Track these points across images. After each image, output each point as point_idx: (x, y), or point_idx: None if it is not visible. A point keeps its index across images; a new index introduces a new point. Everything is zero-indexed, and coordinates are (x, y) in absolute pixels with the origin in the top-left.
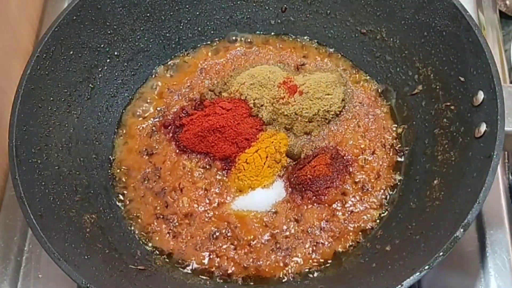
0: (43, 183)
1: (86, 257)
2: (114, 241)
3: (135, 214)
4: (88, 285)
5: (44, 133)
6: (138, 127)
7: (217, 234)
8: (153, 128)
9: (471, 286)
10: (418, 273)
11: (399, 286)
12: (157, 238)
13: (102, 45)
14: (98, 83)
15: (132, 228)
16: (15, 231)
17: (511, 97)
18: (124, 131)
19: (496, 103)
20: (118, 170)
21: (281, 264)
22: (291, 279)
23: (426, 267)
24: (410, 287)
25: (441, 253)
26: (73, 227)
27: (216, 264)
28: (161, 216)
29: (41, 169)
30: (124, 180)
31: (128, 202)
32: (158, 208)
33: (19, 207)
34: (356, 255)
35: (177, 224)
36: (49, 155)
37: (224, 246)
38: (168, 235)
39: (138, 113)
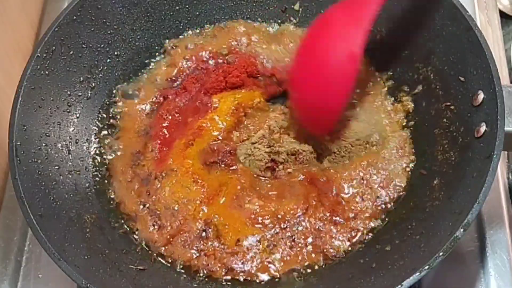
0: (43, 183)
1: (86, 257)
2: (114, 241)
3: (120, 200)
4: (88, 285)
5: (44, 133)
6: (137, 107)
7: (203, 231)
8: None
9: (471, 286)
10: (418, 273)
11: (399, 286)
12: (141, 229)
13: (102, 45)
14: (98, 83)
15: (122, 218)
16: (15, 231)
17: (511, 97)
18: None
19: (496, 103)
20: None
21: (274, 264)
22: (289, 278)
23: (426, 267)
24: (410, 287)
25: (441, 253)
26: (73, 227)
27: (204, 263)
28: (145, 205)
29: (41, 169)
30: (114, 164)
31: (116, 188)
32: (142, 196)
33: (19, 207)
34: (356, 255)
35: (161, 215)
36: (49, 155)
37: (210, 244)
38: (152, 227)
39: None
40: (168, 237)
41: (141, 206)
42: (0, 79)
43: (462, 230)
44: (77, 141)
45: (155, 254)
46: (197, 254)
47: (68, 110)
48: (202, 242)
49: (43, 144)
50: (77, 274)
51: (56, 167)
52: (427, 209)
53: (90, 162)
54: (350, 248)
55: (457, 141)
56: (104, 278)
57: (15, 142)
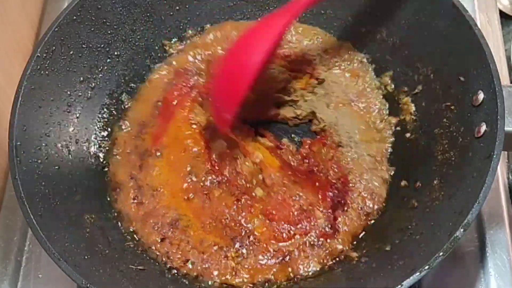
0: (43, 183)
1: (86, 257)
2: (114, 241)
3: (114, 170)
4: (88, 285)
5: (44, 133)
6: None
7: (176, 220)
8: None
9: (471, 286)
10: (418, 273)
11: (399, 286)
12: (122, 199)
13: (102, 45)
14: (98, 83)
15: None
16: (15, 231)
17: (511, 97)
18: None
19: (496, 103)
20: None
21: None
22: (297, 278)
23: (426, 267)
24: (410, 287)
25: (441, 253)
26: (73, 227)
27: (165, 250)
28: (133, 177)
29: (41, 169)
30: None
31: (114, 158)
32: (135, 168)
33: (19, 207)
34: (356, 255)
35: (143, 192)
36: (49, 155)
37: (177, 234)
38: (132, 200)
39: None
40: (143, 215)
41: (130, 178)
42: (0, 79)
43: (462, 230)
44: (77, 141)
45: (124, 232)
46: (162, 239)
47: (68, 110)
48: (171, 230)
49: (43, 144)
50: (77, 274)
51: (56, 167)
52: (427, 209)
53: (90, 162)
54: (349, 248)
55: (457, 141)
56: (104, 278)
57: (15, 142)
